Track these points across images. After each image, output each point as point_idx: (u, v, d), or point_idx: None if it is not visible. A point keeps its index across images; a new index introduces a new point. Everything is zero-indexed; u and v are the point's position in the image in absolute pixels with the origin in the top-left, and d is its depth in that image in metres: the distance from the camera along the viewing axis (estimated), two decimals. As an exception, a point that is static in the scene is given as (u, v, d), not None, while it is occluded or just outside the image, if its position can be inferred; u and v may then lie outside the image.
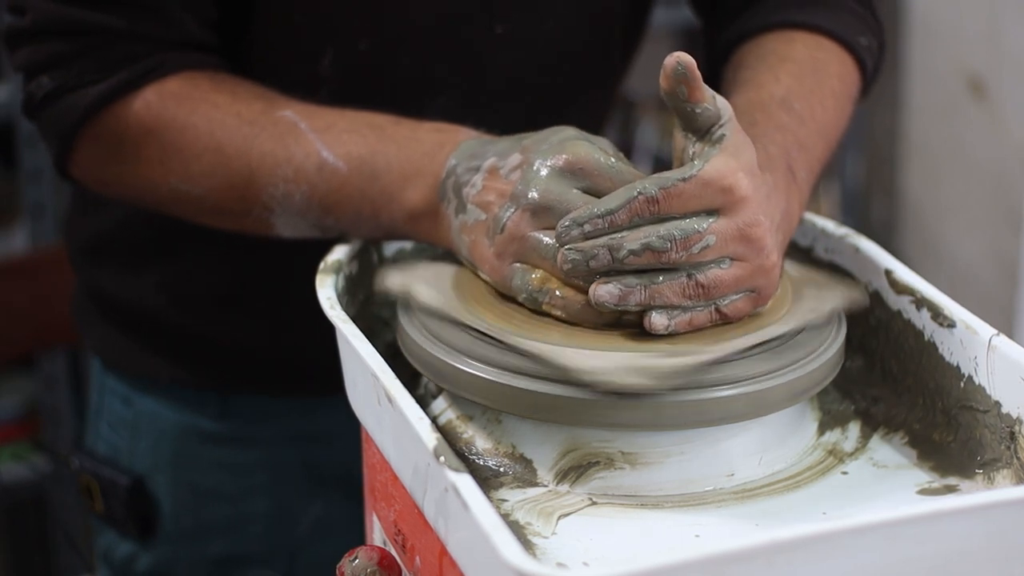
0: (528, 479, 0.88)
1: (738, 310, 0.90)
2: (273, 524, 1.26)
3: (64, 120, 1.05)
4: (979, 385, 0.90)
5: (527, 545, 0.82)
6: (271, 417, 1.25)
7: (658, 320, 0.88)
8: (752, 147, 0.90)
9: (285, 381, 1.24)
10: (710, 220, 0.87)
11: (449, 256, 0.99)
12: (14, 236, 2.47)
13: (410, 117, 1.02)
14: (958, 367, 0.92)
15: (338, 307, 0.93)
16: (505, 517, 0.84)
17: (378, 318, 1.04)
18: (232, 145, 1.03)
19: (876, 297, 1.00)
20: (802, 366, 0.89)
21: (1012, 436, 0.88)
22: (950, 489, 0.89)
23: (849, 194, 2.88)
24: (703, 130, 0.89)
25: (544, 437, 0.89)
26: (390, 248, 1.06)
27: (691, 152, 0.90)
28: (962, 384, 0.92)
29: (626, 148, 2.36)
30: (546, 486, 0.88)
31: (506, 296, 0.93)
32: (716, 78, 1.13)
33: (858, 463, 0.91)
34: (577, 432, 0.88)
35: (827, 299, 0.94)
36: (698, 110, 0.89)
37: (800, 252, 1.06)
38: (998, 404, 0.89)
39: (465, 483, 0.76)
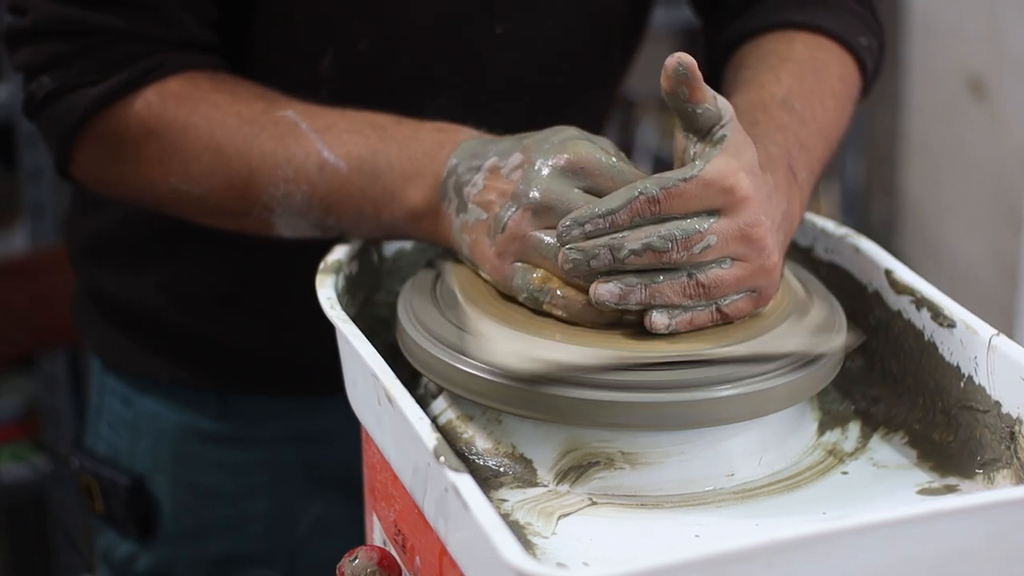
0: (528, 479, 0.88)
1: (739, 310, 0.90)
2: (273, 524, 1.26)
3: (64, 120, 1.05)
4: (979, 385, 0.91)
5: (527, 545, 0.82)
6: (271, 417, 1.25)
7: (659, 319, 0.88)
8: (753, 147, 0.90)
9: (285, 381, 1.24)
10: (711, 220, 0.88)
11: (450, 256, 0.99)
12: (14, 236, 2.47)
13: (410, 117, 1.02)
14: (958, 367, 0.92)
15: (338, 307, 0.93)
16: (505, 517, 0.84)
17: (378, 318, 1.04)
18: (232, 145, 1.03)
19: (876, 297, 1.00)
20: (802, 366, 0.89)
21: (1012, 436, 0.88)
22: (950, 489, 0.89)
23: (849, 194, 2.88)
24: (704, 130, 0.90)
25: (544, 437, 0.89)
26: (390, 248, 1.06)
27: (692, 152, 0.90)
28: (962, 384, 0.92)
29: (626, 148, 2.36)
30: (546, 486, 0.88)
31: (507, 296, 0.93)
32: (716, 78, 1.13)
33: (858, 463, 0.91)
34: (577, 432, 0.88)
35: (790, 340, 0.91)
36: (699, 110, 0.89)
37: (800, 252, 1.07)
38: (998, 404, 0.89)
39: (465, 483, 0.76)
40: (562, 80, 1.19)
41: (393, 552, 0.89)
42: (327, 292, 0.95)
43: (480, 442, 0.90)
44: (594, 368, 0.86)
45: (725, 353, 0.87)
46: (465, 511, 0.75)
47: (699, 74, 0.88)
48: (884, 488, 0.89)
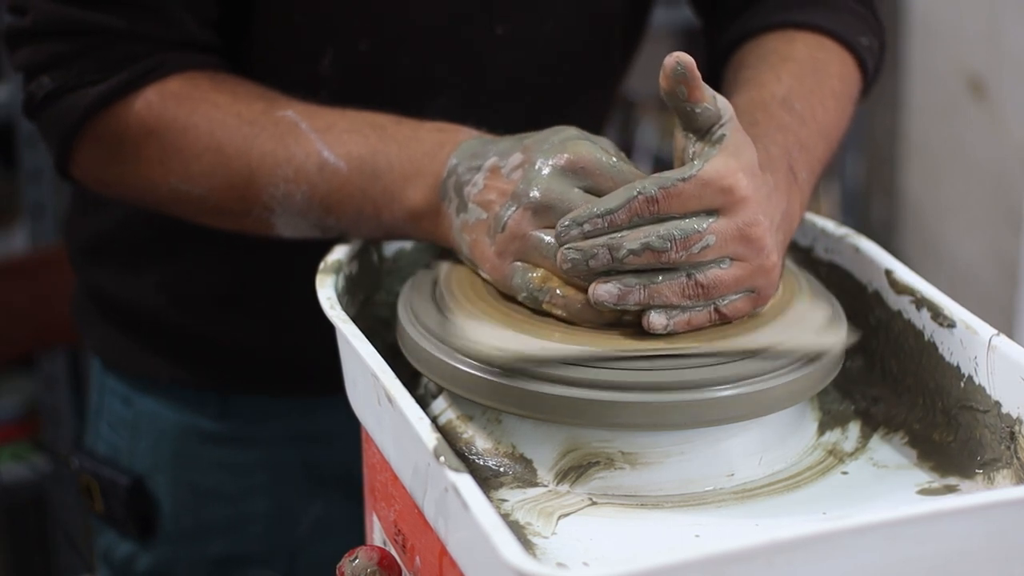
0: (528, 479, 0.88)
1: (737, 310, 0.90)
2: (273, 524, 1.26)
3: (64, 120, 1.05)
4: (979, 385, 0.90)
5: (527, 545, 0.82)
6: (271, 417, 1.25)
7: (656, 319, 0.88)
8: (753, 147, 0.90)
9: (285, 381, 1.24)
10: (710, 220, 0.87)
11: (450, 256, 0.99)
12: (14, 236, 2.47)
13: (410, 117, 1.02)
14: (958, 367, 0.92)
15: (338, 307, 0.93)
16: (505, 517, 0.84)
17: (378, 318, 1.04)
18: (232, 145, 1.03)
19: (876, 297, 1.00)
20: (802, 366, 0.89)
21: (1012, 436, 0.88)
22: (950, 489, 0.89)
23: (849, 194, 2.88)
24: (703, 130, 0.89)
25: (544, 437, 0.89)
26: (390, 248, 1.06)
27: (691, 152, 0.90)
28: (962, 384, 0.92)
29: (626, 148, 2.36)
30: (546, 486, 0.88)
31: (507, 295, 0.93)
32: (717, 78, 1.13)
33: (858, 463, 0.91)
34: (577, 432, 0.88)
35: (801, 338, 0.92)
36: (698, 110, 0.89)
37: (800, 252, 1.06)
38: (998, 404, 0.89)
39: (465, 483, 0.76)
40: (562, 80, 1.19)
41: (393, 552, 0.89)
42: (327, 292, 0.95)
43: (480, 442, 0.90)
44: (552, 360, 0.86)
45: (692, 349, 0.87)
46: (465, 511, 0.75)
47: (697, 73, 0.88)
48: (884, 488, 0.89)
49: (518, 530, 0.83)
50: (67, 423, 2.43)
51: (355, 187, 1.00)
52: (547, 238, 0.90)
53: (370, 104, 1.04)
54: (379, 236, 1.02)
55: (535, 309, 0.91)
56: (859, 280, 1.02)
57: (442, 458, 0.78)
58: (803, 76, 1.06)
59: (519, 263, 0.91)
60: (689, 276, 0.88)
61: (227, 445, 1.25)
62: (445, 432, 0.92)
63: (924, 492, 0.88)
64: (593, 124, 1.19)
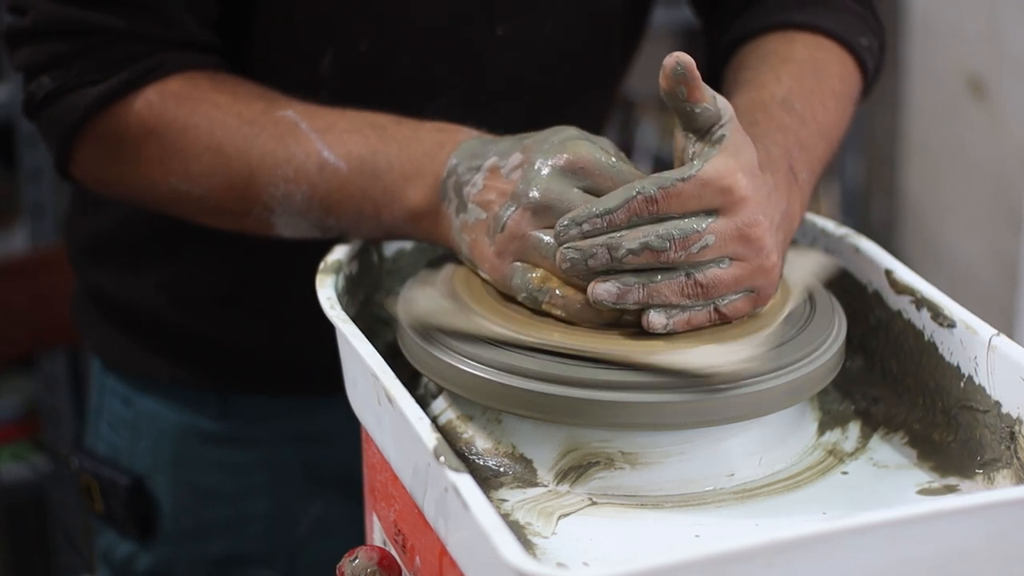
0: (528, 479, 0.88)
1: (737, 310, 0.90)
2: (273, 524, 1.26)
3: (64, 120, 1.05)
4: (979, 385, 0.90)
5: (527, 545, 0.82)
6: (271, 417, 1.25)
7: (656, 319, 0.88)
8: (752, 147, 0.90)
9: (285, 381, 1.24)
10: (709, 220, 0.87)
11: (450, 256, 0.99)
12: (14, 236, 2.47)
13: (410, 117, 1.02)
14: (958, 367, 0.92)
15: (338, 307, 0.93)
16: (505, 517, 0.84)
17: (378, 318, 1.04)
18: (232, 145, 1.03)
19: (876, 297, 1.00)
20: (802, 366, 0.89)
21: (1012, 436, 0.88)
22: (950, 489, 0.89)
23: (849, 194, 2.88)
24: (703, 130, 0.89)
25: (544, 437, 0.89)
26: (390, 248, 1.06)
27: (691, 152, 0.90)
28: (962, 384, 0.92)
29: (626, 148, 2.36)
30: (546, 486, 0.88)
31: (506, 295, 0.93)
32: (717, 79, 1.13)
33: (858, 463, 0.91)
34: (577, 432, 0.88)
35: (800, 271, 0.95)
36: (698, 110, 0.89)
37: (800, 252, 1.07)
38: (998, 404, 0.89)
39: (465, 483, 0.76)
40: (562, 80, 1.19)
41: (393, 552, 0.89)
42: (327, 292, 0.95)
43: (480, 442, 0.90)
44: (460, 333, 0.88)
45: (654, 361, 0.86)
46: (465, 511, 0.75)
47: (697, 73, 0.88)
48: (884, 488, 0.89)
49: (518, 530, 0.83)
50: (67, 423, 2.43)
51: (355, 187, 1.00)
52: (546, 238, 0.90)
53: (370, 104, 1.04)
54: (379, 236, 1.02)
55: (535, 309, 0.91)
56: (859, 280, 1.02)
57: (442, 458, 0.78)
58: (803, 76, 1.06)
59: (518, 263, 0.91)
60: (688, 276, 0.88)
61: (227, 445, 1.25)
62: (445, 432, 0.92)
63: (924, 492, 0.88)
64: (593, 124, 1.19)
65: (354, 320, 0.92)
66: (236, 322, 1.22)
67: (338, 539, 1.05)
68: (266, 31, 1.11)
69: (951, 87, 2.62)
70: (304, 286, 0.97)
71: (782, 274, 0.95)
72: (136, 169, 1.06)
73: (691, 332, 0.89)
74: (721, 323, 0.90)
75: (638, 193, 0.87)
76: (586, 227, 0.88)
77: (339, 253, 1.00)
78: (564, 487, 0.87)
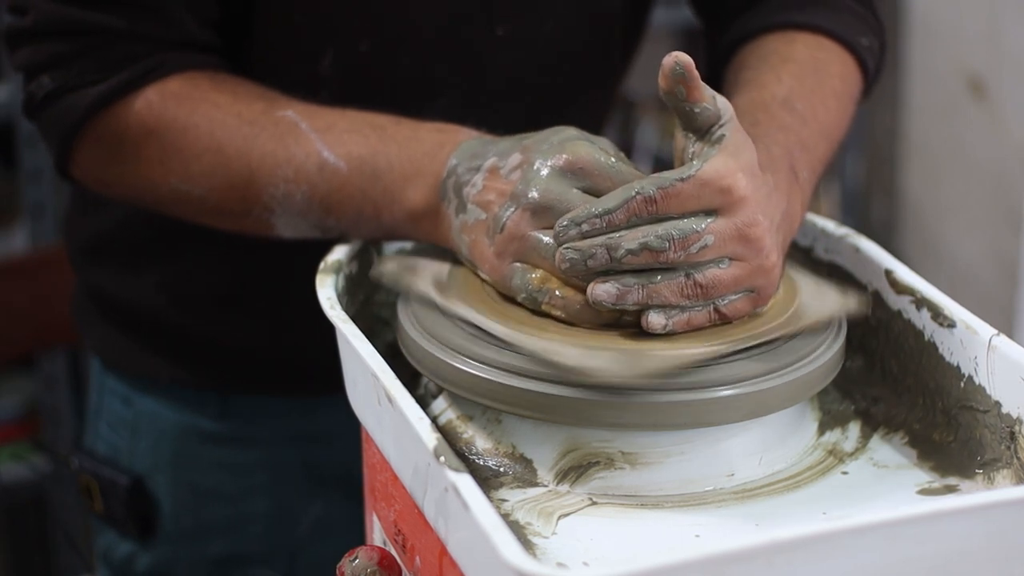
0: (528, 479, 0.88)
1: (737, 310, 0.90)
2: (273, 524, 1.26)
3: (65, 120, 1.05)
4: (979, 385, 0.90)
5: (527, 545, 0.82)
6: (271, 417, 1.25)
7: (655, 319, 0.88)
8: (752, 147, 0.90)
9: (285, 381, 1.24)
10: (708, 220, 0.87)
11: (450, 256, 0.99)
12: (14, 236, 2.47)
13: (411, 117, 1.02)
14: (958, 367, 0.92)
15: (338, 307, 0.93)
16: (505, 517, 0.84)
17: (378, 318, 1.04)
18: (232, 145, 1.03)
19: (876, 297, 1.00)
20: (802, 366, 0.89)
21: (1012, 436, 0.88)
22: (950, 489, 0.89)
23: (849, 194, 2.88)
24: (703, 130, 0.89)
25: (544, 437, 0.89)
26: (390, 248, 1.06)
27: (691, 152, 0.90)
28: (962, 384, 0.92)
29: (626, 148, 2.36)
30: (546, 486, 0.88)
31: (506, 296, 0.93)
32: (717, 79, 1.13)
33: (858, 463, 0.91)
34: (577, 432, 0.88)
35: (825, 304, 0.94)
36: (697, 110, 0.89)
37: (800, 252, 1.06)
38: (998, 404, 0.89)
39: (465, 483, 0.76)
40: (562, 80, 1.19)
41: (393, 552, 0.89)
42: (327, 292, 0.95)
43: (480, 442, 0.90)
44: (453, 314, 0.89)
45: (770, 335, 0.88)
46: (465, 511, 0.75)
47: (696, 73, 0.88)
48: (884, 488, 0.89)
49: (518, 530, 0.83)
50: (67, 423, 2.43)
51: (355, 187, 1.00)
52: (546, 239, 0.90)
53: (370, 104, 1.04)
54: (379, 237, 1.02)
55: (534, 310, 0.91)
56: (859, 280, 1.02)
57: (442, 458, 0.78)
58: (804, 76, 1.06)
59: (518, 264, 0.91)
60: (688, 276, 0.88)
61: (227, 445, 1.25)
62: (445, 432, 0.92)
63: (924, 492, 0.88)
64: (593, 124, 1.19)
65: (354, 320, 0.92)
66: (236, 322, 1.22)
67: (338, 539, 1.05)
68: (266, 31, 1.11)
69: (951, 87, 2.62)
70: (304, 286, 0.97)
71: (783, 273, 0.95)
72: (136, 169, 1.06)
73: (691, 332, 0.89)
74: (721, 323, 0.90)
75: (637, 193, 0.87)
76: (585, 227, 0.87)
77: (339, 253, 1.00)
78: (564, 487, 0.87)
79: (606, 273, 0.88)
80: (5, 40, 1.08)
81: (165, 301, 1.23)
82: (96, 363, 1.30)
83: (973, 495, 0.86)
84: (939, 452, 0.92)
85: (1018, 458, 0.88)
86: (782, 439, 0.91)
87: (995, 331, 0.90)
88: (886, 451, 0.93)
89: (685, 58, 0.87)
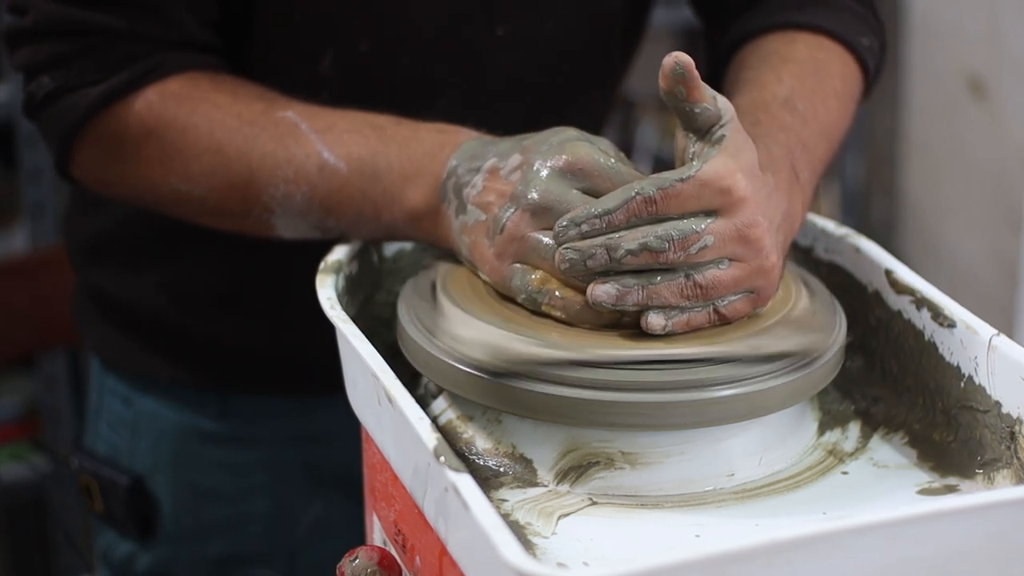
0: (528, 479, 0.88)
1: (737, 311, 0.90)
2: (273, 524, 1.26)
3: (65, 120, 1.05)
4: (979, 385, 0.90)
5: (527, 545, 0.82)
6: (271, 417, 1.25)
7: (655, 320, 0.88)
8: (753, 148, 0.90)
9: (285, 381, 1.24)
10: (708, 221, 0.87)
11: (450, 257, 0.99)
12: (14, 236, 2.47)
13: (411, 118, 1.02)
14: (958, 367, 0.92)
15: (338, 307, 0.93)
16: (505, 517, 0.84)
17: (378, 318, 1.04)
18: (232, 146, 1.03)
19: (876, 297, 1.00)
20: (802, 366, 0.89)
21: (1012, 436, 0.88)
22: (950, 489, 0.89)
23: (849, 194, 2.88)
24: (703, 130, 0.89)
25: (544, 437, 0.89)
26: (390, 248, 1.06)
27: (691, 152, 0.90)
28: (962, 384, 0.92)
29: (626, 148, 2.36)
30: (546, 486, 0.88)
31: (506, 297, 0.93)
32: (718, 79, 1.13)
33: (858, 463, 0.91)
34: (577, 432, 0.88)
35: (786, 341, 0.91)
36: (697, 110, 0.89)
37: (800, 252, 1.06)
38: (998, 404, 0.89)
39: (465, 483, 0.76)
40: (562, 80, 1.19)
41: (393, 552, 0.89)
42: (327, 292, 0.95)
43: (480, 442, 0.90)
44: (551, 362, 0.86)
45: (695, 353, 0.87)
46: (465, 511, 0.75)
47: (696, 73, 0.88)
48: (884, 488, 0.89)
49: (518, 530, 0.83)
50: (67, 423, 2.43)
51: (355, 188, 1.00)
52: (546, 240, 0.90)
53: (370, 105, 1.04)
54: (379, 237, 1.02)
55: (534, 311, 0.91)
56: (859, 280, 1.02)
57: (442, 458, 0.78)
58: (804, 76, 1.06)
59: (518, 265, 0.91)
60: (687, 277, 0.88)
61: (227, 445, 1.25)
62: (445, 432, 0.92)
63: (924, 492, 0.88)
64: (593, 124, 1.19)
65: (354, 320, 0.92)
66: (236, 322, 1.22)
67: (338, 539, 1.05)
68: (266, 31, 1.11)
69: (951, 87, 2.62)
70: (304, 286, 0.97)
71: (783, 274, 0.95)
72: (136, 169, 1.06)
73: (690, 333, 0.89)
74: (721, 324, 0.90)
75: (637, 194, 0.87)
76: (585, 228, 0.87)
77: (339, 253, 1.00)
78: (564, 487, 0.87)
79: (606, 274, 0.88)
80: (5, 40, 1.08)
81: (165, 301, 1.23)
82: (96, 363, 1.30)
83: (973, 495, 0.86)
84: (939, 452, 0.92)
85: (1018, 458, 0.88)
86: (782, 439, 0.91)
87: (995, 331, 0.90)
88: (886, 451, 0.93)
89: (685, 58, 0.87)
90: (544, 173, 0.91)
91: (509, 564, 0.70)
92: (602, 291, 0.87)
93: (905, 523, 0.75)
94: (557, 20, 1.16)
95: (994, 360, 0.89)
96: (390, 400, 0.84)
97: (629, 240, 0.87)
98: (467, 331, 0.89)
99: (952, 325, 0.93)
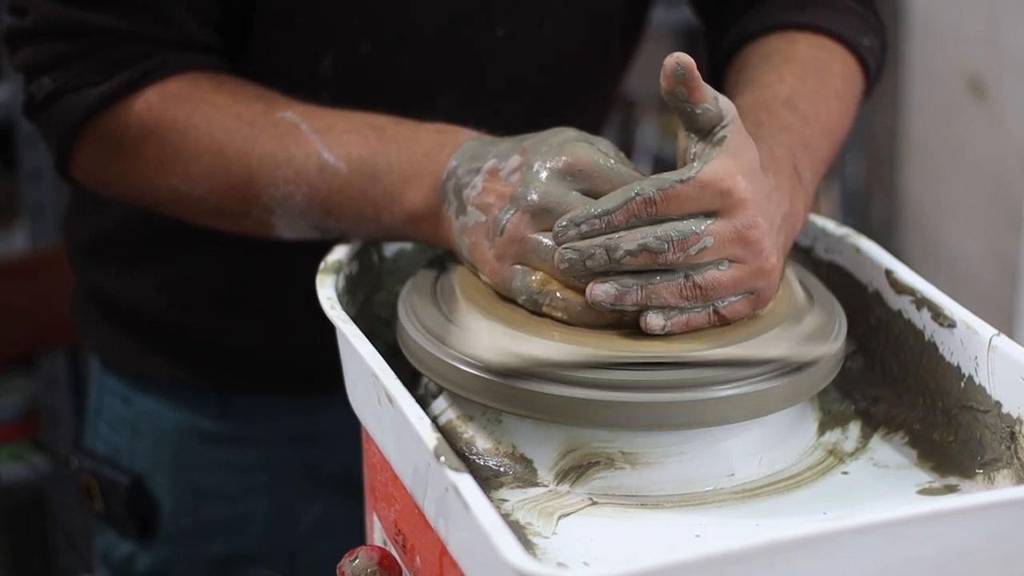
0: (528, 479, 0.88)
1: (736, 312, 0.90)
2: (273, 524, 1.26)
3: (65, 121, 1.05)
4: (979, 385, 0.90)
5: (527, 545, 0.82)
6: (271, 417, 1.25)
7: (654, 320, 0.88)
8: (754, 148, 0.90)
9: (285, 381, 1.24)
10: (708, 222, 0.87)
11: (450, 258, 0.99)
12: (14, 236, 2.47)
13: (411, 118, 1.02)
14: (958, 367, 0.92)
15: (338, 307, 0.93)
16: (505, 517, 0.84)
17: (378, 318, 1.04)
18: (232, 146, 1.03)
19: (876, 297, 1.00)
20: (802, 367, 0.89)
21: (1012, 436, 0.88)
22: (950, 489, 0.89)
23: (849, 194, 2.88)
24: (705, 131, 0.89)
25: (544, 437, 0.89)
26: (390, 249, 1.06)
27: (692, 153, 0.90)
28: (962, 384, 0.92)
29: (626, 148, 2.36)
30: (546, 486, 0.88)
31: (507, 298, 0.93)
32: (719, 79, 1.13)
33: (858, 463, 0.91)
34: (577, 432, 0.88)
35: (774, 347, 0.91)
36: (698, 110, 0.89)
37: (800, 252, 1.06)
38: (998, 404, 0.89)
39: (465, 483, 0.76)
40: (562, 80, 1.19)
41: (393, 552, 0.89)
42: (327, 292, 0.95)
43: (480, 442, 0.90)
44: (569, 364, 0.86)
45: (706, 356, 0.87)
46: (465, 511, 0.75)
47: (697, 74, 0.87)
48: (884, 488, 0.89)
49: (518, 530, 0.83)
50: (67, 423, 2.43)
51: (355, 189, 1.00)
52: (546, 241, 0.90)
53: (370, 105, 1.04)
54: (379, 238, 1.02)
55: (535, 311, 0.91)
56: (859, 280, 1.02)
57: (442, 458, 0.78)
58: (806, 76, 1.06)
59: (518, 266, 0.91)
60: (687, 277, 0.88)
61: (227, 445, 1.25)
62: (445, 432, 0.92)
63: (924, 492, 0.88)
64: (593, 124, 1.19)
65: (354, 320, 0.92)
66: (236, 322, 1.22)
67: (338, 539, 1.05)
68: (266, 31, 1.11)
69: (951, 87, 2.62)
70: (304, 286, 0.97)
71: (783, 275, 0.95)
72: (136, 170, 1.06)
73: (690, 333, 0.89)
74: (721, 325, 0.90)
75: (637, 194, 0.87)
76: (584, 228, 0.87)
77: (339, 253, 1.00)
78: (564, 487, 0.87)
79: (605, 274, 0.88)
80: (5, 41, 1.08)
81: (165, 301, 1.23)
82: (96, 363, 1.30)
83: (973, 495, 0.86)
84: (939, 452, 0.92)
85: (1018, 458, 0.88)
86: (782, 439, 0.91)
87: (995, 331, 0.90)
88: (886, 451, 0.93)
89: (686, 59, 0.87)
90: (544, 174, 0.91)
91: (509, 564, 0.70)
92: (601, 291, 0.87)
93: (905, 523, 0.75)
94: (557, 20, 1.16)
95: (994, 360, 0.89)
96: (390, 400, 0.84)
97: (628, 241, 0.87)
98: (470, 332, 0.89)
99: (952, 325, 0.93)
